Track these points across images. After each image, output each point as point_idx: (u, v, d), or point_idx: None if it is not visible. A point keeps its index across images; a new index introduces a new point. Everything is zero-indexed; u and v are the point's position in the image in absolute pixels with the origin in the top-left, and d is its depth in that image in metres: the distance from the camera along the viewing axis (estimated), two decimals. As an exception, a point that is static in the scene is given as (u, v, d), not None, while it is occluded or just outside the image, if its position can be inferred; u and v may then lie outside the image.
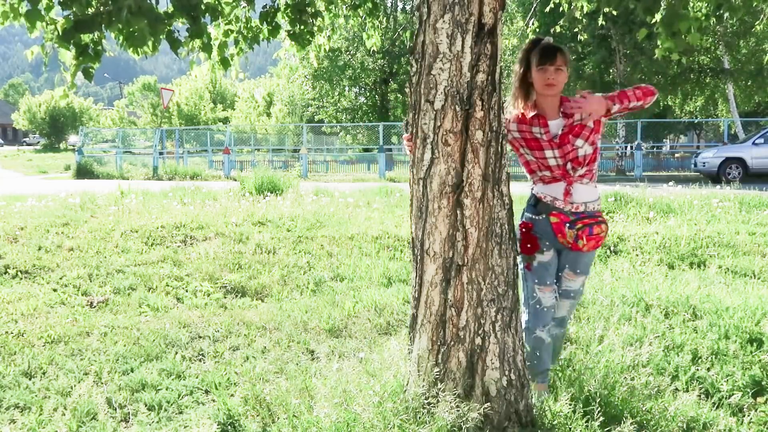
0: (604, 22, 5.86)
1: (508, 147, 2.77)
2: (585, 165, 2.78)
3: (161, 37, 3.74)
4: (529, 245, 2.83)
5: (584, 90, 2.77)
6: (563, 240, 2.81)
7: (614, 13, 5.34)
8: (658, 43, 4.46)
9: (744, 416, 2.86)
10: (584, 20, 6.64)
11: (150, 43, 3.71)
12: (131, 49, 3.74)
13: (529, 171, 2.90)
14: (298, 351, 3.81)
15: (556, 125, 2.78)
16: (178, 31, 4.00)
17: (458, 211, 2.54)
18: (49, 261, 5.76)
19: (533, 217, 2.87)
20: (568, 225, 2.77)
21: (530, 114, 2.80)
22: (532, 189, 2.93)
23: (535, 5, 8.59)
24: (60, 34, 3.55)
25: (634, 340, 3.60)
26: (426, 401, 2.54)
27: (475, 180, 2.52)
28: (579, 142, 2.75)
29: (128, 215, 7.69)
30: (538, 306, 2.87)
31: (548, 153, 2.78)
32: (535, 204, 2.87)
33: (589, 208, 2.80)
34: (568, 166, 2.76)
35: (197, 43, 4.26)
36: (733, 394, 2.99)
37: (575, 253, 2.84)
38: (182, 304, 4.95)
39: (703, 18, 4.84)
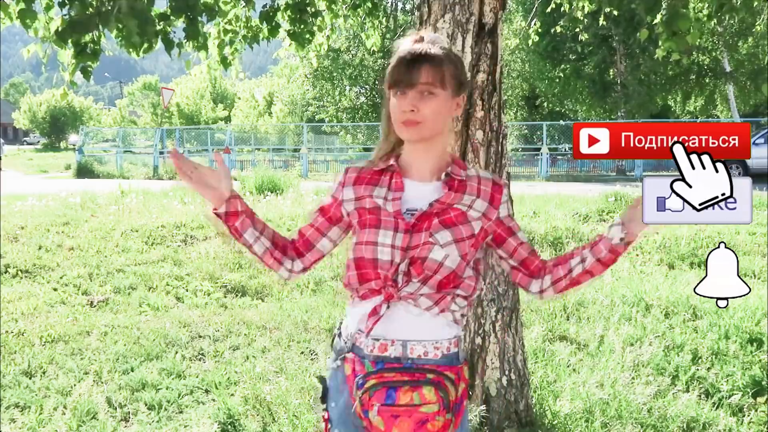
0: (605, 22, 5.85)
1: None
2: (429, 281, 1.39)
3: (153, 38, 3.73)
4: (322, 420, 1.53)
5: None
6: (357, 409, 1.40)
7: (615, 13, 5.35)
8: (659, 43, 4.46)
9: (744, 416, 2.86)
10: (585, 20, 6.63)
11: (140, 43, 3.70)
12: (129, 48, 3.74)
13: (344, 285, 1.51)
14: (298, 351, 3.81)
15: (425, 192, 1.45)
16: (174, 32, 4.00)
17: (458, 211, 2.54)
18: (50, 260, 5.76)
19: (329, 364, 1.56)
20: (358, 381, 1.41)
21: (379, 166, 1.49)
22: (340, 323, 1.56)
23: (536, 5, 8.57)
24: (56, 33, 3.55)
25: (634, 340, 3.60)
26: (426, 401, 2.54)
27: (476, 180, 2.52)
28: (443, 235, 1.39)
29: (128, 215, 7.69)
30: None
31: (383, 235, 1.40)
32: (332, 342, 1.57)
33: (415, 353, 1.39)
34: (401, 267, 1.39)
35: (194, 43, 4.26)
36: (733, 394, 2.99)
37: None
38: (182, 303, 4.96)
39: (705, 19, 4.85)
